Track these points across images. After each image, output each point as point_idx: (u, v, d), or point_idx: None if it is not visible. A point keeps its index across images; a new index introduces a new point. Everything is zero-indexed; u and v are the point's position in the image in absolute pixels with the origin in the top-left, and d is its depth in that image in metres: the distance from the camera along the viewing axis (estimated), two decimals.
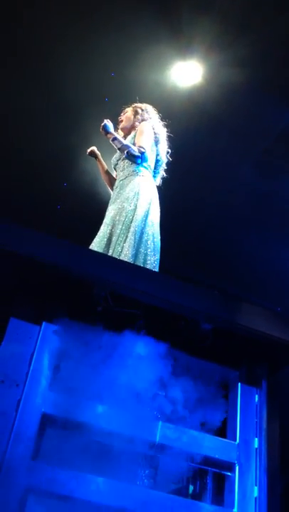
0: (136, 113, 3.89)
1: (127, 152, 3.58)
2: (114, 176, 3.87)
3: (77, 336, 2.18)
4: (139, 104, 3.96)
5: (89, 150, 4.05)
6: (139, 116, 3.86)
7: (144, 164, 3.65)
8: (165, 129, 3.90)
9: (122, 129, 3.87)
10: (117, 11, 4.97)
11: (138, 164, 3.62)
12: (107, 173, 4.00)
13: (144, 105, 3.96)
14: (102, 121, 3.68)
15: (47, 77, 5.32)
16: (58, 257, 2.13)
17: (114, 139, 3.62)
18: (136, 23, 5.02)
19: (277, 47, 5.05)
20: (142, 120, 3.83)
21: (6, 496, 1.79)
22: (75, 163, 5.83)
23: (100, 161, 4.02)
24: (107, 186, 3.99)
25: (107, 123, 3.65)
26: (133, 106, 3.95)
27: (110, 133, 3.63)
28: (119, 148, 3.63)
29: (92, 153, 4.04)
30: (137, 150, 3.60)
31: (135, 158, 3.60)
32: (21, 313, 2.12)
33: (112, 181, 3.92)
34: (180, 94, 5.50)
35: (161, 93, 5.36)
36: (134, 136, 3.71)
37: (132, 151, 3.58)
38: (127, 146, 3.59)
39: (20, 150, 5.84)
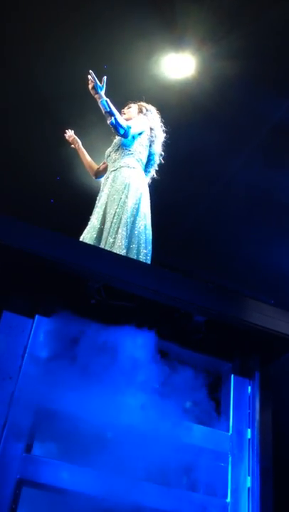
0: (140, 111, 3.85)
1: (115, 119, 3.43)
2: (101, 166, 3.87)
3: (70, 328, 2.18)
4: (144, 104, 3.92)
5: (70, 137, 3.99)
6: (142, 115, 3.83)
7: (136, 158, 3.63)
8: (164, 135, 3.87)
9: None
10: (109, 3, 4.94)
11: (120, 135, 3.53)
12: (89, 160, 3.97)
13: (149, 106, 3.92)
14: (90, 73, 3.41)
15: (38, 70, 5.28)
16: (52, 249, 2.12)
17: (105, 101, 3.40)
18: (128, 15, 4.99)
19: (270, 39, 5.03)
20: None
21: (0, 488, 1.80)
22: (68, 157, 5.81)
23: (80, 148, 3.98)
24: (90, 174, 3.98)
25: (98, 83, 3.41)
26: (139, 104, 3.92)
27: (99, 94, 3.41)
28: (105, 113, 3.43)
29: (73, 141, 3.99)
30: (123, 122, 3.50)
31: (119, 128, 3.47)
32: (14, 306, 2.12)
33: (97, 170, 3.93)
34: (173, 86, 5.47)
35: (154, 86, 5.33)
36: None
37: (118, 120, 3.45)
38: (113, 114, 3.43)
39: (12, 144, 5.81)
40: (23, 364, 2.02)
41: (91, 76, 3.43)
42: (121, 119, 3.50)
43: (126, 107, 3.90)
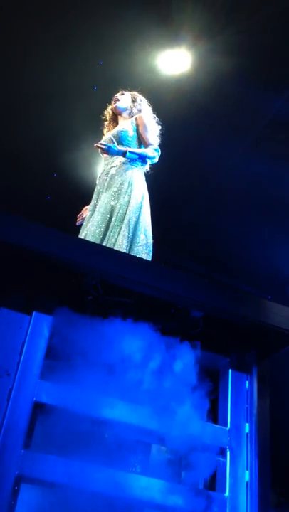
0: (134, 100, 3.83)
1: (149, 158, 3.54)
2: None
3: (67, 325, 2.18)
4: (137, 94, 3.90)
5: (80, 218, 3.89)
6: (137, 105, 3.81)
7: None
8: (159, 126, 3.86)
9: (116, 108, 3.80)
10: None
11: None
12: None
13: (141, 96, 3.91)
14: (98, 145, 3.46)
15: (34, 64, 5.26)
16: (49, 246, 2.12)
17: (128, 153, 3.45)
18: (124, 11, 4.98)
19: (265, 35, 5.03)
20: (139, 110, 3.78)
21: None
22: (64, 153, 5.80)
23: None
24: None
25: (111, 145, 3.43)
26: (132, 93, 3.90)
27: (119, 151, 3.45)
28: (138, 159, 3.51)
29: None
30: (152, 153, 3.56)
31: (154, 159, 3.59)
32: (11, 303, 2.12)
33: None
34: (168, 82, 5.47)
35: (150, 81, 5.31)
36: (135, 127, 3.64)
37: (151, 158, 3.56)
38: (145, 156, 3.52)
39: (9, 140, 5.79)
40: (21, 361, 2.01)
41: (101, 146, 3.45)
42: (150, 152, 3.56)
43: (119, 93, 3.87)
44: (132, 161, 3.52)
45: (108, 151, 3.47)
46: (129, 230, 3.27)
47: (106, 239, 3.29)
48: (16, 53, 5.22)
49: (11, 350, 2.03)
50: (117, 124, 3.81)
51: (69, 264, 2.14)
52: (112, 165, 3.55)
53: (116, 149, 3.45)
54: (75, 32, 5.12)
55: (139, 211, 3.38)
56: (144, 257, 3.26)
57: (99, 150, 3.54)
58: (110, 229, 3.30)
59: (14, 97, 5.45)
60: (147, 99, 3.95)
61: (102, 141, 3.68)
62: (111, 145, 3.44)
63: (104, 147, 3.44)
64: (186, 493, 2.05)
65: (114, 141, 3.47)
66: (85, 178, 5.67)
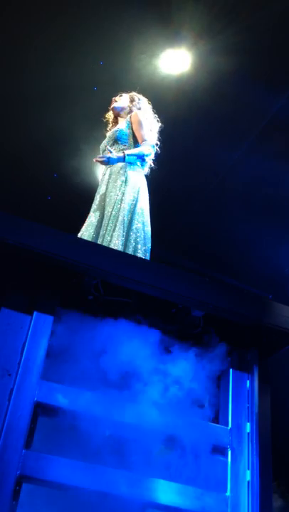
0: (132, 100, 3.87)
1: (146, 155, 3.54)
2: None
3: (68, 325, 2.19)
4: (135, 93, 3.94)
5: None
6: (135, 103, 3.84)
7: None
8: (158, 124, 3.87)
9: (113, 109, 3.86)
10: None
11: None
12: None
13: (140, 96, 3.94)
14: (98, 159, 3.50)
15: (35, 64, 5.26)
16: (50, 246, 2.12)
17: (127, 156, 3.48)
18: (124, 11, 4.98)
19: (266, 34, 5.03)
20: (137, 109, 3.81)
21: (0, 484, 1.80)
22: (65, 153, 5.80)
23: None
24: None
25: (109, 155, 3.47)
26: (130, 94, 3.94)
27: (119, 158, 3.47)
28: (137, 159, 3.53)
29: None
30: (148, 150, 3.57)
31: (151, 155, 3.60)
32: (12, 303, 2.12)
33: None
34: (169, 82, 5.46)
35: (150, 81, 5.32)
36: (129, 124, 3.66)
37: (148, 155, 3.56)
38: (142, 155, 3.53)
39: (9, 140, 5.80)
40: (22, 361, 2.02)
41: (100, 159, 3.49)
42: (146, 150, 3.56)
43: (118, 96, 3.92)
44: (131, 163, 3.53)
45: (108, 162, 3.51)
46: (123, 227, 3.27)
47: (101, 237, 3.30)
48: (18, 53, 5.21)
49: (12, 350, 2.03)
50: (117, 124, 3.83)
51: (70, 264, 2.14)
52: (109, 166, 3.58)
53: (115, 158, 3.49)
54: (74, 33, 5.11)
55: (134, 208, 3.38)
56: (140, 253, 3.27)
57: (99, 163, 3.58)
58: (105, 227, 3.32)
59: (15, 96, 5.45)
60: (147, 99, 3.95)
61: (101, 144, 3.72)
62: (109, 156, 3.48)
63: (104, 159, 3.48)
64: (187, 493, 2.05)
65: (111, 151, 3.50)
66: (87, 178, 5.68)
